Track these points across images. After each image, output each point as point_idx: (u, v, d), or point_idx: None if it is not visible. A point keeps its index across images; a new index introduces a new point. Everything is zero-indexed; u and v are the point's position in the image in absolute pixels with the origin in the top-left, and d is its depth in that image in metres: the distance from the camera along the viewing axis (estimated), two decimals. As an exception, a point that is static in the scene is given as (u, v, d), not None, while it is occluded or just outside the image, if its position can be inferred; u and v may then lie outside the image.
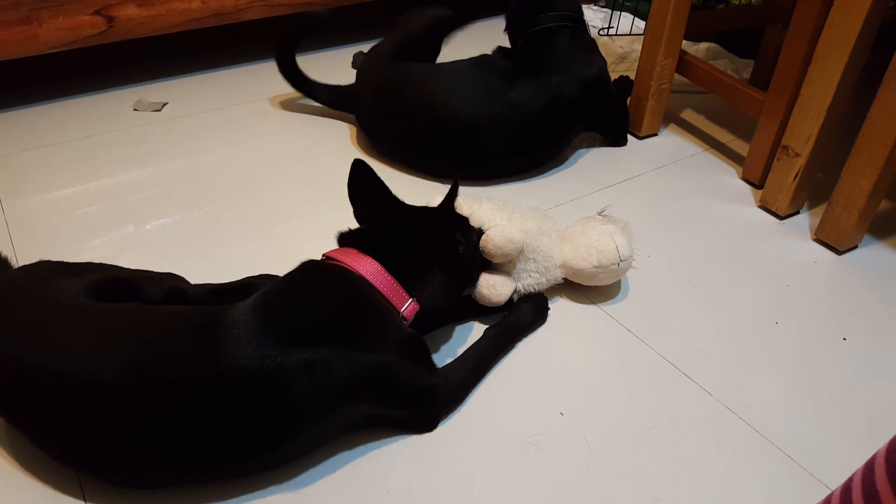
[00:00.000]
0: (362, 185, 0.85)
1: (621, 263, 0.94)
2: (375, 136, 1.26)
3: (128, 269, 0.85)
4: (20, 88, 1.41)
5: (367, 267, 0.76)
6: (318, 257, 0.81)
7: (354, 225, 0.86)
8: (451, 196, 0.85)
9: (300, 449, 0.75)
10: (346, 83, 1.34)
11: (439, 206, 0.86)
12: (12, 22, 1.23)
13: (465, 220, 0.88)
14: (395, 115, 1.20)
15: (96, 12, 1.29)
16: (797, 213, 1.20)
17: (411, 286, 0.79)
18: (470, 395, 0.84)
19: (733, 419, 0.84)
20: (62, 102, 1.38)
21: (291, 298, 0.73)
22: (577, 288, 1.00)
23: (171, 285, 0.86)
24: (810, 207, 1.21)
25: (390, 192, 0.85)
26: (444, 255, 0.83)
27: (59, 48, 1.29)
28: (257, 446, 0.69)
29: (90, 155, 1.24)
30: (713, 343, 0.94)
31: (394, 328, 0.75)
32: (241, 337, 0.67)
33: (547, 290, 0.96)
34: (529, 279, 0.93)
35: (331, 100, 1.35)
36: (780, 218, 1.19)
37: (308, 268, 0.78)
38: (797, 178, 1.14)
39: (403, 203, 0.86)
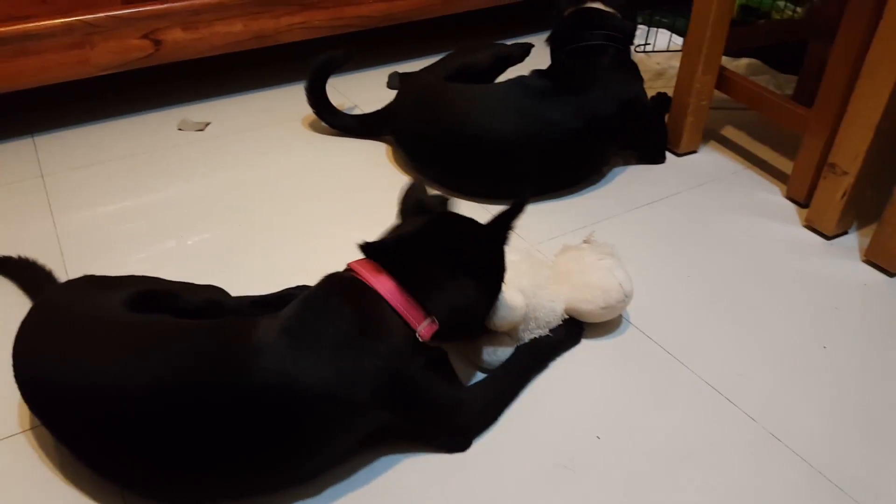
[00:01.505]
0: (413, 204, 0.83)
1: (626, 299, 0.90)
2: (412, 153, 1.28)
3: (167, 281, 0.87)
4: (72, 108, 1.46)
5: (383, 285, 0.74)
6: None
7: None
8: (515, 210, 0.79)
9: (329, 464, 0.75)
10: (373, 109, 1.38)
11: (498, 217, 0.80)
12: (66, 46, 1.28)
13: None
14: (433, 131, 1.21)
15: (144, 36, 1.34)
16: (845, 233, 1.16)
17: (433, 304, 0.75)
18: (502, 415, 0.83)
19: (777, 446, 0.80)
20: (111, 122, 1.43)
21: (314, 317, 0.72)
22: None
23: (209, 297, 0.88)
24: (859, 227, 1.17)
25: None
26: (486, 270, 0.80)
27: (109, 70, 1.34)
28: (286, 464, 0.69)
29: (137, 172, 1.28)
30: (756, 366, 0.91)
31: (414, 346, 0.74)
32: (270, 356, 0.68)
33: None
34: (531, 334, 0.89)
35: (361, 128, 1.39)
36: (828, 238, 1.15)
37: (330, 284, 0.76)
38: (845, 197, 1.10)
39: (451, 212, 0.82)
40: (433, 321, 0.75)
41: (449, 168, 1.23)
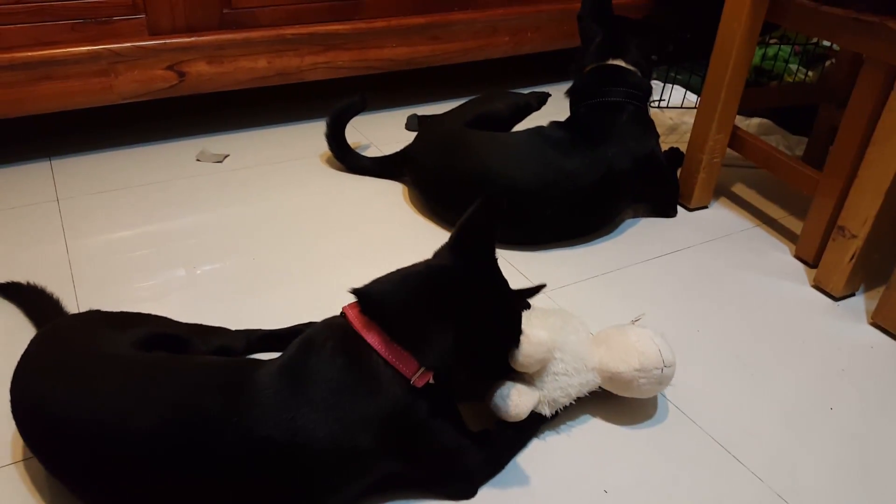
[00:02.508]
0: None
1: (665, 370, 0.85)
2: (430, 195, 1.29)
3: (177, 323, 0.87)
4: (91, 134, 1.48)
5: (371, 337, 0.72)
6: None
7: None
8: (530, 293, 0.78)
9: None
10: (390, 148, 1.40)
11: (515, 291, 0.78)
12: (91, 74, 1.31)
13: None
14: (452, 176, 1.23)
15: (169, 67, 1.36)
16: (853, 294, 1.16)
17: (422, 357, 0.72)
18: (509, 463, 0.82)
19: (787, 510, 0.80)
20: (129, 149, 1.45)
21: (312, 366, 0.71)
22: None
23: (219, 343, 0.88)
24: (867, 290, 1.18)
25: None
26: (486, 324, 0.77)
27: (131, 99, 1.36)
28: None
29: (152, 201, 1.29)
30: (763, 425, 0.90)
31: (412, 392, 0.72)
32: (271, 405, 0.67)
33: (578, 403, 0.87)
34: (556, 382, 0.83)
35: (379, 170, 1.41)
36: (835, 299, 1.15)
37: (324, 332, 0.75)
38: (853, 260, 1.11)
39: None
40: (426, 372, 0.72)
41: (464, 209, 1.23)
